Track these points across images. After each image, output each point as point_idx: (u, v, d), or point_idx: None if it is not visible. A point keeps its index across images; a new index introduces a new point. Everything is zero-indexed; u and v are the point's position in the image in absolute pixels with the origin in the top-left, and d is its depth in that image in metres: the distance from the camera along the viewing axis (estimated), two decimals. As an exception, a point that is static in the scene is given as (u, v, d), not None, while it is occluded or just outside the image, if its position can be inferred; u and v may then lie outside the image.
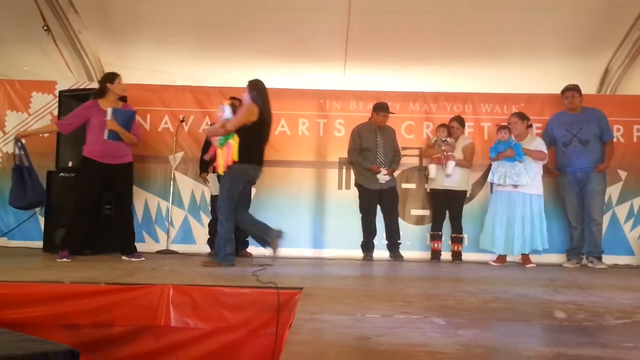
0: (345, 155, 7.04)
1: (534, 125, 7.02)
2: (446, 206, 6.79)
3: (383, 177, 6.61)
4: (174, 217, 7.06)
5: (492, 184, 6.61)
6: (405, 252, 6.78)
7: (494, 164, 6.48)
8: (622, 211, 7.04)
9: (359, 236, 6.78)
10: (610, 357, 2.27)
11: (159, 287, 3.90)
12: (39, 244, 6.49)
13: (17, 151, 5.79)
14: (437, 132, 6.86)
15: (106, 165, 5.61)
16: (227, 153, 5.28)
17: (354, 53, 7.47)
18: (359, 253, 6.74)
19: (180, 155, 7.14)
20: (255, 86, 5.44)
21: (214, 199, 6.68)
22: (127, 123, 5.68)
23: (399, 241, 6.73)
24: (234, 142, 5.28)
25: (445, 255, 6.79)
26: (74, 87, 7.05)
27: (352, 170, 7.03)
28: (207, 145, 6.39)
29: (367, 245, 6.72)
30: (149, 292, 3.89)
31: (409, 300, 3.61)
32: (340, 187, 7.18)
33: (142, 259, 5.75)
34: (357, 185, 6.77)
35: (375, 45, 7.35)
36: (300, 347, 2.26)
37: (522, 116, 6.61)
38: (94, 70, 7.71)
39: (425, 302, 3.56)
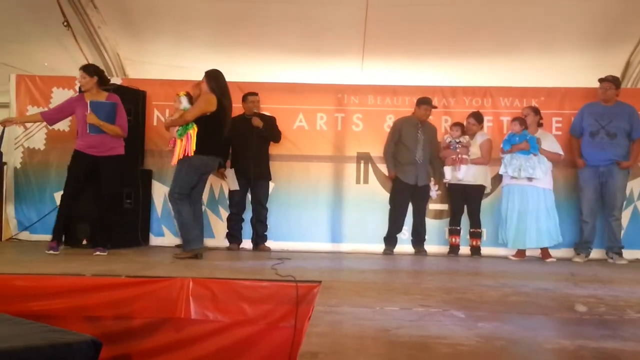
0: (363, 150, 7.05)
1: (554, 119, 6.96)
2: (464, 201, 6.76)
3: (435, 192, 6.79)
4: (192, 211, 7.08)
5: (502, 176, 6.58)
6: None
7: (507, 157, 6.43)
8: (643, 206, 6.96)
9: (377, 230, 6.78)
10: (631, 350, 2.25)
11: (179, 280, 3.94)
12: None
13: None
14: (451, 131, 6.78)
15: (92, 157, 5.62)
16: (187, 144, 5.31)
17: (372, 47, 7.44)
18: (377, 247, 6.74)
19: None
20: (213, 76, 5.48)
21: (232, 193, 6.72)
22: (109, 115, 5.62)
23: (425, 237, 6.78)
24: (192, 132, 5.32)
25: (464, 249, 6.76)
26: (94, 83, 7.09)
27: (369, 164, 7.07)
28: None
29: (390, 239, 6.73)
30: (169, 285, 3.93)
31: (428, 294, 3.60)
32: (358, 182, 7.16)
33: (105, 253, 5.65)
34: (394, 178, 6.78)
35: (393, 39, 7.31)
36: (319, 339, 2.27)
37: (536, 110, 6.57)
38: (113, 65, 7.75)
39: (444, 296, 3.56)
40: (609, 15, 6.98)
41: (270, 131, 6.71)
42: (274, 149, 6.92)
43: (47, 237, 6.82)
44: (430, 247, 6.85)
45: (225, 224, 6.86)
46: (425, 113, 6.69)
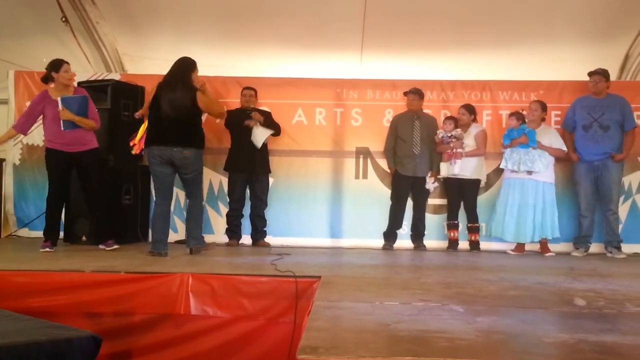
0: (362, 145, 7.06)
1: (553, 112, 6.96)
2: (460, 195, 6.76)
3: (431, 185, 6.74)
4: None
5: (503, 171, 6.59)
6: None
7: (507, 151, 6.44)
8: (642, 199, 6.97)
9: (377, 226, 6.79)
10: (630, 343, 2.26)
11: (178, 275, 3.95)
12: (60, 234, 6.55)
13: None
14: (444, 126, 6.77)
15: (70, 154, 5.60)
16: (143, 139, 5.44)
17: (371, 41, 7.43)
18: (377, 242, 6.75)
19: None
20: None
21: (231, 189, 6.71)
22: (81, 109, 5.59)
23: (424, 232, 6.80)
24: (144, 127, 5.44)
25: (463, 244, 6.77)
26: (93, 79, 7.07)
27: (369, 159, 7.10)
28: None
29: (390, 235, 6.74)
30: (169, 280, 3.94)
31: (428, 288, 3.61)
32: (357, 177, 7.16)
33: (116, 247, 5.76)
34: (393, 173, 6.82)
35: (392, 33, 7.31)
36: (319, 334, 2.27)
37: (543, 105, 6.58)
38: (112, 61, 7.74)
39: (443, 290, 3.57)
40: (608, 8, 6.98)
41: (272, 125, 6.70)
42: (272, 144, 6.92)
43: (47, 233, 6.87)
44: (429, 242, 6.85)
45: (224, 219, 6.86)
46: (412, 103, 6.70)
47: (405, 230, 6.88)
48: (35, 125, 7.10)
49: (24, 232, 7.05)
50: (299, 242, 6.85)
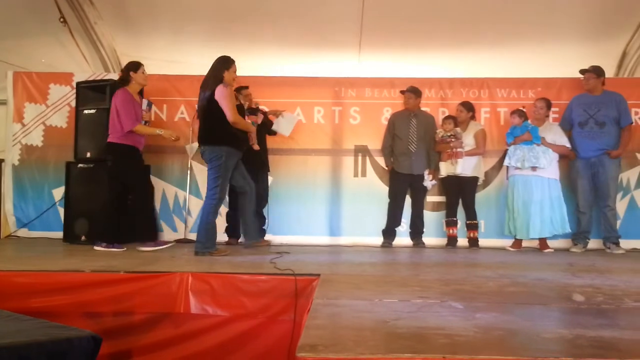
0: (361, 143, 7.07)
1: (552, 109, 6.98)
2: (458, 192, 6.78)
3: (429, 182, 6.75)
4: (191, 206, 7.08)
5: (508, 168, 6.60)
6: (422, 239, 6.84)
7: (511, 148, 6.46)
8: (640, 195, 6.98)
9: (376, 223, 6.81)
10: (628, 338, 2.27)
11: (178, 274, 3.95)
12: (59, 234, 6.56)
13: None
14: (443, 125, 6.80)
15: (140, 153, 5.86)
16: None
17: (369, 40, 7.43)
18: (375, 240, 6.77)
19: (196, 145, 7.14)
20: None
21: (230, 190, 6.70)
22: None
23: (423, 229, 6.83)
24: None
25: (462, 241, 6.78)
26: (91, 79, 7.08)
27: (367, 157, 7.12)
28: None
29: (389, 232, 6.76)
30: (168, 280, 3.93)
31: (427, 285, 3.62)
32: (356, 175, 7.17)
33: (171, 243, 6.00)
34: (390, 170, 6.86)
35: (390, 32, 7.31)
36: (318, 331, 2.28)
37: (549, 103, 6.62)
38: (110, 61, 7.75)
39: (442, 287, 3.57)
40: (606, 5, 7.00)
41: (269, 124, 6.71)
42: (271, 143, 6.92)
43: (46, 234, 6.93)
44: (428, 239, 6.87)
45: (224, 218, 6.86)
46: (408, 101, 6.75)
47: (404, 227, 6.91)
48: (35, 125, 7.16)
49: (24, 233, 7.07)
50: (298, 240, 6.86)
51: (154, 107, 5.99)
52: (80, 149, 6.57)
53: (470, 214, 6.71)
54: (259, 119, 6.49)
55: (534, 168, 6.34)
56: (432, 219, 7.03)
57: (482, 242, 6.75)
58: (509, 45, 7.46)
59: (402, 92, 6.79)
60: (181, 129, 7.13)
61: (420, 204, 6.86)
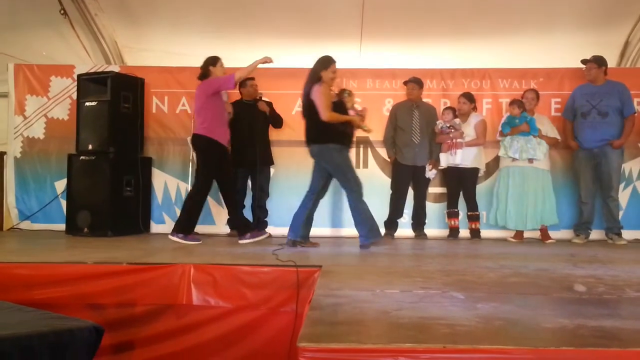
0: (362, 134, 7.04)
1: (553, 100, 6.97)
2: (459, 184, 6.77)
3: (430, 173, 6.76)
4: (192, 198, 7.08)
5: (500, 158, 6.62)
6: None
7: (507, 139, 6.44)
8: (643, 186, 6.96)
9: (377, 215, 6.75)
10: (629, 328, 2.27)
11: (180, 266, 3.96)
12: (62, 226, 6.57)
13: None
14: (443, 116, 6.78)
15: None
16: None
17: (370, 31, 7.40)
18: (377, 231, 6.77)
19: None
20: None
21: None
22: None
23: (425, 221, 6.83)
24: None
25: (464, 232, 6.78)
26: (92, 71, 7.07)
27: (369, 149, 7.12)
28: None
29: (391, 224, 6.74)
30: (171, 271, 3.95)
31: (428, 276, 3.62)
32: (357, 166, 7.13)
33: (267, 234, 6.06)
34: (393, 162, 6.84)
35: (391, 23, 7.28)
36: (320, 322, 2.28)
37: (537, 94, 6.62)
38: (111, 53, 7.73)
39: (444, 278, 3.58)
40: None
41: (275, 116, 6.71)
42: (273, 135, 6.91)
43: (48, 226, 6.94)
44: (430, 230, 6.87)
45: (226, 210, 6.85)
46: (412, 92, 6.72)
47: (406, 219, 6.90)
48: (36, 117, 7.16)
49: (26, 225, 7.07)
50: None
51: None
52: (82, 141, 6.58)
53: (472, 205, 6.71)
54: (264, 107, 6.50)
55: (530, 160, 6.33)
56: (434, 210, 7.02)
57: (484, 233, 6.74)
58: (511, 36, 7.43)
59: (405, 82, 6.77)
60: (183, 121, 7.13)
61: (422, 196, 6.84)
